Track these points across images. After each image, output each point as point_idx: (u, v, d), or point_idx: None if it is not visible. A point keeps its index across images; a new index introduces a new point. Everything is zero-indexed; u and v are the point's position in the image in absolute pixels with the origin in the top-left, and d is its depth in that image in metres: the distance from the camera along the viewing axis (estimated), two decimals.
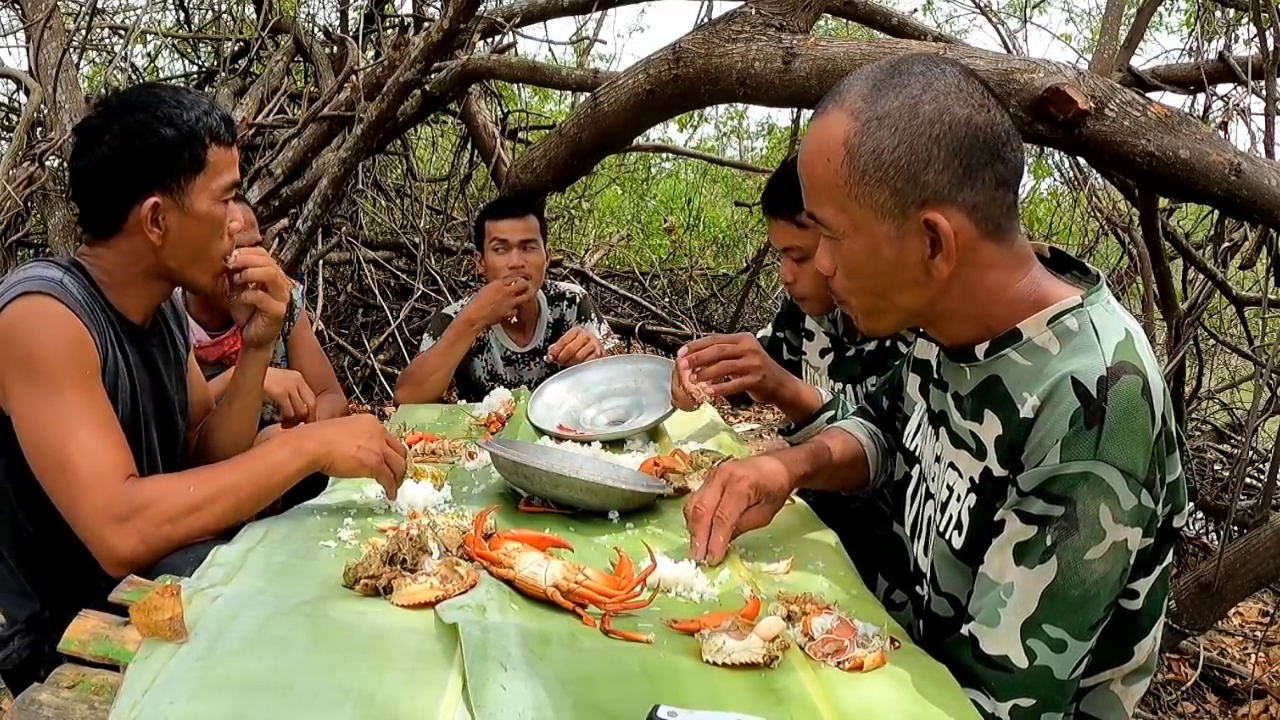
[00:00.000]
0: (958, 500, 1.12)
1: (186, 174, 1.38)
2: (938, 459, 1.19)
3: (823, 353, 2.04)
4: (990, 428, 1.08)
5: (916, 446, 1.28)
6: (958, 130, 0.99)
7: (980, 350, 1.09)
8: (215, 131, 1.40)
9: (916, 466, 1.27)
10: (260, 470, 1.31)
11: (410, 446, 1.80)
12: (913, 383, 1.32)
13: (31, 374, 1.25)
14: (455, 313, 2.66)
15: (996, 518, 1.05)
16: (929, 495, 1.22)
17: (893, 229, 1.02)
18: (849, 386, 1.95)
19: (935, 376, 1.22)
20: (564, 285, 2.83)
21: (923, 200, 1.00)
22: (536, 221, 2.57)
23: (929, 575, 1.19)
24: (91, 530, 1.22)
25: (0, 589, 1.45)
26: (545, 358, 2.67)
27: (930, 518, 1.20)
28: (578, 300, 2.78)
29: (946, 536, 1.14)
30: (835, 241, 1.08)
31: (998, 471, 1.06)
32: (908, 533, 1.28)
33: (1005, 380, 1.06)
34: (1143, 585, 1.07)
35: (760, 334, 2.29)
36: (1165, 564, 1.09)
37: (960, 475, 1.12)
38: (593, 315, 2.79)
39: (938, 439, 1.20)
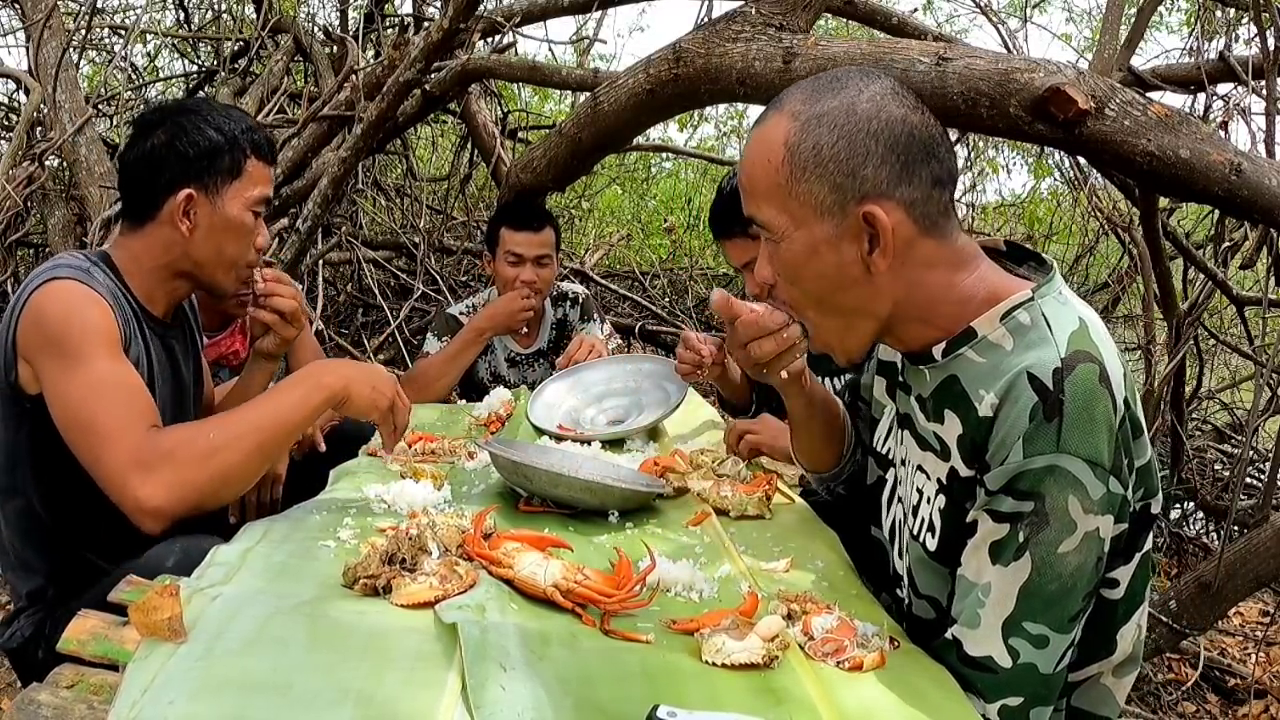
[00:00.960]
0: (928, 502, 1.12)
1: (224, 176, 1.48)
2: (904, 462, 1.20)
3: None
4: (951, 428, 1.08)
5: (889, 449, 1.28)
6: (894, 127, 1.02)
7: (937, 351, 1.10)
8: (258, 146, 1.51)
9: (890, 470, 1.27)
10: (282, 408, 1.33)
11: (410, 446, 1.80)
12: (879, 385, 1.32)
13: (60, 350, 1.31)
14: (460, 313, 2.66)
15: (969, 518, 1.05)
16: (899, 499, 1.22)
17: (832, 227, 1.03)
18: (828, 379, 1.95)
19: (900, 380, 1.22)
20: (566, 285, 2.82)
21: (861, 195, 1.02)
22: (553, 235, 2.55)
23: (907, 579, 1.19)
24: (118, 481, 1.24)
25: (5, 564, 1.49)
26: (554, 359, 2.67)
27: (902, 521, 1.21)
28: (580, 300, 2.78)
29: (920, 539, 1.14)
30: (774, 245, 1.08)
31: (964, 471, 1.06)
32: (886, 536, 1.28)
33: (963, 379, 1.07)
34: (1123, 574, 1.07)
35: None
36: (1144, 550, 1.08)
37: (928, 477, 1.12)
38: (595, 315, 2.79)
39: (902, 443, 1.20)
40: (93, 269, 1.41)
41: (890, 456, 1.27)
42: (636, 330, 5.07)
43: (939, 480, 1.10)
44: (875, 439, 1.32)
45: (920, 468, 1.14)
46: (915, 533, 1.14)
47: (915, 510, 1.15)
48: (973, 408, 1.04)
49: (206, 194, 1.47)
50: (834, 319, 1.10)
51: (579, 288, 2.86)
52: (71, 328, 1.31)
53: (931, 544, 1.11)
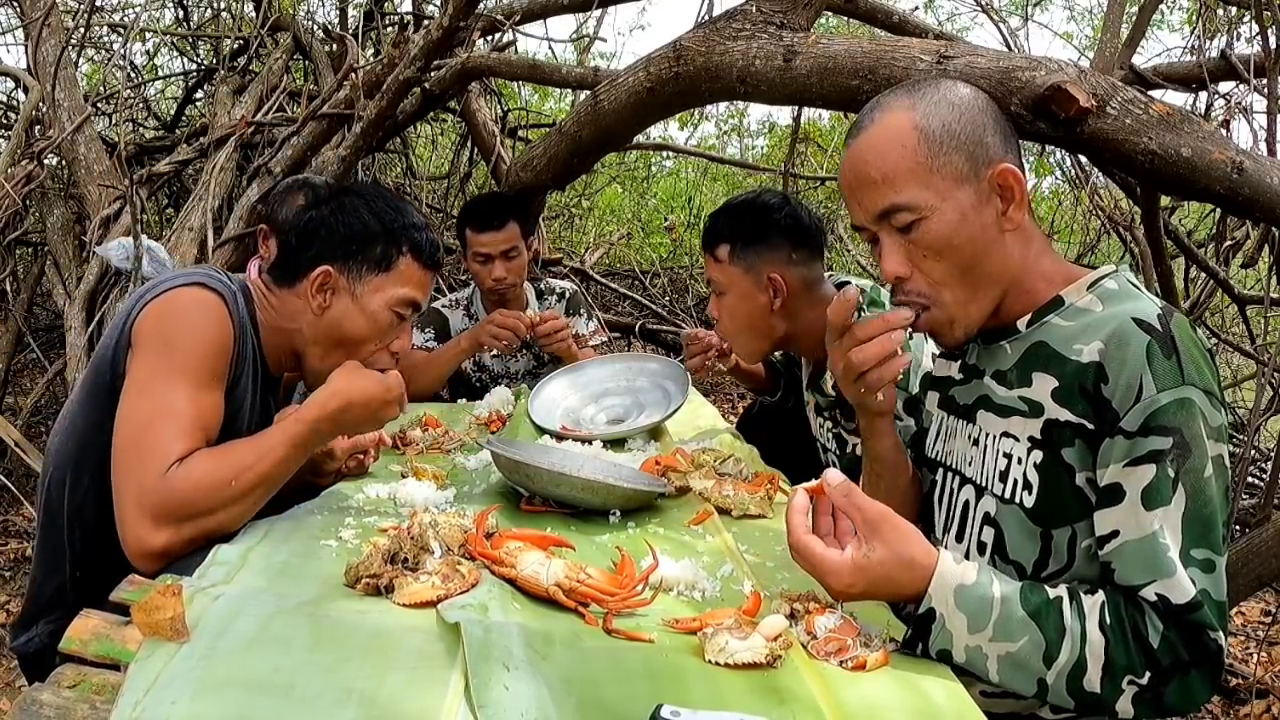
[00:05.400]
0: (1019, 462, 1.15)
1: (371, 266, 1.43)
2: (976, 442, 1.23)
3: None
4: (1043, 385, 1.12)
5: (937, 453, 1.33)
6: (991, 106, 1.16)
7: (1022, 323, 1.18)
8: (418, 246, 1.46)
9: (940, 470, 1.31)
10: (287, 428, 1.30)
11: (423, 432, 1.83)
12: (931, 399, 1.38)
13: (163, 352, 1.27)
14: (443, 306, 2.70)
15: (1106, 482, 1.05)
16: (965, 481, 1.25)
17: (972, 192, 1.12)
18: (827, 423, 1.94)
19: (959, 377, 1.29)
20: (555, 281, 2.83)
21: (989, 160, 1.13)
22: (516, 226, 2.53)
23: (990, 551, 1.19)
24: (130, 515, 1.19)
25: (35, 560, 1.43)
26: (536, 349, 2.67)
27: (967, 502, 1.23)
28: (567, 296, 2.78)
29: (1017, 500, 1.15)
30: (916, 227, 1.12)
31: (1065, 417, 1.09)
32: (939, 536, 1.29)
33: (1051, 342, 1.14)
34: None
35: None
36: None
37: (1018, 439, 1.15)
38: (582, 311, 2.79)
39: (974, 424, 1.24)
40: (238, 295, 1.37)
41: (937, 459, 1.32)
42: (637, 329, 5.07)
43: (1031, 437, 1.13)
44: (927, 445, 1.37)
45: (1006, 434, 1.18)
46: (1008, 497, 1.16)
47: (1004, 475, 1.17)
48: (1068, 360, 1.10)
49: (348, 279, 1.42)
50: (969, 289, 1.16)
51: (567, 284, 2.85)
52: (186, 339, 1.27)
53: (1029, 500, 1.13)
